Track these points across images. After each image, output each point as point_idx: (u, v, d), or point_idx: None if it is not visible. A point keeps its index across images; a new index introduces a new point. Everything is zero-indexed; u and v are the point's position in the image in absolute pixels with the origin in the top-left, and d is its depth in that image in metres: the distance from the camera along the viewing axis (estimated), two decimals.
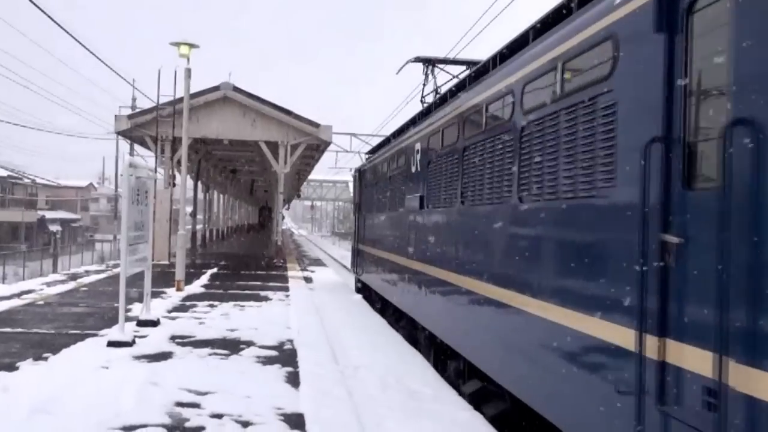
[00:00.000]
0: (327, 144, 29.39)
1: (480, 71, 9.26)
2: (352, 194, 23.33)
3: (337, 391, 8.10)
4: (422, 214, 11.08)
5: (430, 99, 15.31)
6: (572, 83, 5.66)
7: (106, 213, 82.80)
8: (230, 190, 56.12)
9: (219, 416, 6.90)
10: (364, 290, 19.71)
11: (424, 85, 15.95)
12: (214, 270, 24.56)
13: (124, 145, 41.55)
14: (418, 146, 11.74)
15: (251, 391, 7.85)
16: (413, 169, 11.95)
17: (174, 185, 26.82)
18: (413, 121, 14.01)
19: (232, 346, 10.60)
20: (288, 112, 27.27)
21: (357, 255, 21.18)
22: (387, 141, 17.31)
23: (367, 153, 21.65)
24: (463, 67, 14.81)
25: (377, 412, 7.26)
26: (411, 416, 7.23)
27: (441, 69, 15.59)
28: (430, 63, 15.68)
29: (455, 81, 13.30)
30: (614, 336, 4.62)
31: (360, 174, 21.37)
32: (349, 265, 46.40)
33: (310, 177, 61.21)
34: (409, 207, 11.86)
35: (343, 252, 63.10)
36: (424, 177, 11.01)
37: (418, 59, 15.65)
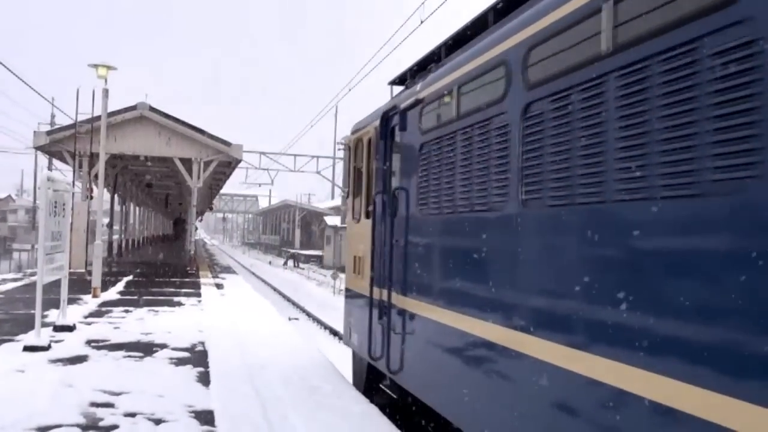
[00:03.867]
0: (238, 161, 29.07)
1: None
2: (344, 173, 8.94)
3: (244, 388, 7.96)
4: None
5: None
6: None
7: (24, 224, 78.73)
8: (146, 203, 54.35)
9: (132, 415, 6.65)
10: (395, 395, 7.95)
11: None
12: (130, 278, 23.70)
13: (44, 159, 39.57)
14: None
15: (164, 390, 7.61)
16: None
17: (91, 198, 25.86)
18: None
19: (146, 348, 10.26)
20: (201, 132, 26.74)
21: (382, 316, 7.30)
22: None
23: (409, 70, 7.82)
24: None
25: (282, 407, 7.17)
26: (313, 410, 7.18)
27: None
28: None
29: None
30: None
31: (395, 118, 7.14)
32: (259, 273, 45.58)
33: (222, 191, 60.05)
34: None
35: (252, 261, 62.20)
36: None
37: None
